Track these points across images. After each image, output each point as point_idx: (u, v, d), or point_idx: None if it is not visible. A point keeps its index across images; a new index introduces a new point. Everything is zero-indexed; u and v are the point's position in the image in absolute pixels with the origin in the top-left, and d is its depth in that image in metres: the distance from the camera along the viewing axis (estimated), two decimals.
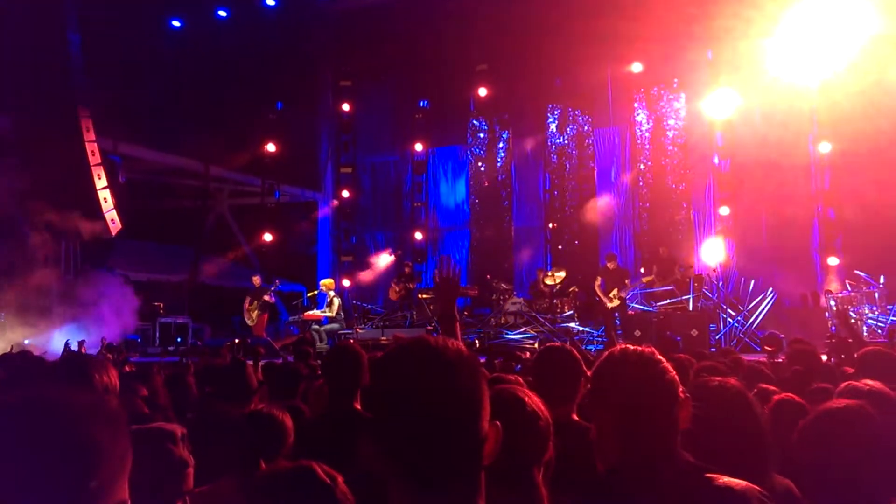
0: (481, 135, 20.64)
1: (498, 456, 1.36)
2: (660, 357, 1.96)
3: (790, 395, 3.60)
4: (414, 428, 1.27)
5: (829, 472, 1.97)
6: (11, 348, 10.36)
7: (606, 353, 2.03)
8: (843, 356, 7.21)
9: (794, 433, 2.99)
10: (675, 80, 18.23)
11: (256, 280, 16.18)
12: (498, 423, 1.35)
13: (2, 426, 1.02)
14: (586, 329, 15.28)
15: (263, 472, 1.92)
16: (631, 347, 2.00)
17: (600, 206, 18.59)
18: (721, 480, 1.75)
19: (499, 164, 20.49)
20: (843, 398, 2.54)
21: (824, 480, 1.98)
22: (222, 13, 19.16)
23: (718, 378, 2.85)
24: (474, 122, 20.68)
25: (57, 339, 13.15)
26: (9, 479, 0.97)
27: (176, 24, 19.15)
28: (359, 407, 3.48)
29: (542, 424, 2.22)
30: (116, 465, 1.07)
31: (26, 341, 13.23)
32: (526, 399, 2.26)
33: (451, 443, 1.28)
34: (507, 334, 15.53)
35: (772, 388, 4.36)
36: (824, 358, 7.60)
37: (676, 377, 1.94)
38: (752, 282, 14.50)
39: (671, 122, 18.46)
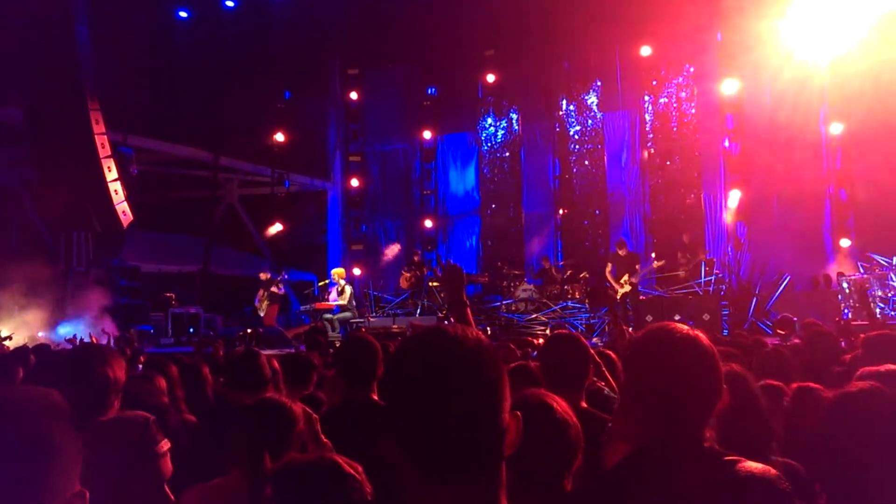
0: (490, 121, 20.57)
1: (528, 466, 1.31)
2: (710, 344, 1.86)
3: (808, 383, 3.58)
4: (433, 418, 1.22)
5: (848, 456, 1.93)
6: (37, 341, 10.45)
7: (652, 328, 1.93)
8: (851, 339, 7.16)
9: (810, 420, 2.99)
10: (685, 62, 18.09)
11: (264, 275, 16.23)
12: (518, 413, 1.30)
13: None
14: (597, 317, 15.25)
15: (283, 464, 1.89)
16: (678, 326, 1.89)
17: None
18: (741, 465, 1.73)
19: (508, 151, 20.42)
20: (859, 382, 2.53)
21: (843, 466, 1.94)
22: (230, 3, 19.14)
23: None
24: (483, 108, 20.61)
25: (69, 332, 13.24)
26: None
27: (183, 14, 19.15)
28: (376, 397, 3.47)
29: (572, 433, 2.15)
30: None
31: (40, 334, 13.32)
32: (555, 406, 2.18)
33: (471, 433, 1.23)
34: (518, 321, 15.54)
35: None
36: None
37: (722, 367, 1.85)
38: (764, 265, 14.44)
39: (680, 105, 18.35)
